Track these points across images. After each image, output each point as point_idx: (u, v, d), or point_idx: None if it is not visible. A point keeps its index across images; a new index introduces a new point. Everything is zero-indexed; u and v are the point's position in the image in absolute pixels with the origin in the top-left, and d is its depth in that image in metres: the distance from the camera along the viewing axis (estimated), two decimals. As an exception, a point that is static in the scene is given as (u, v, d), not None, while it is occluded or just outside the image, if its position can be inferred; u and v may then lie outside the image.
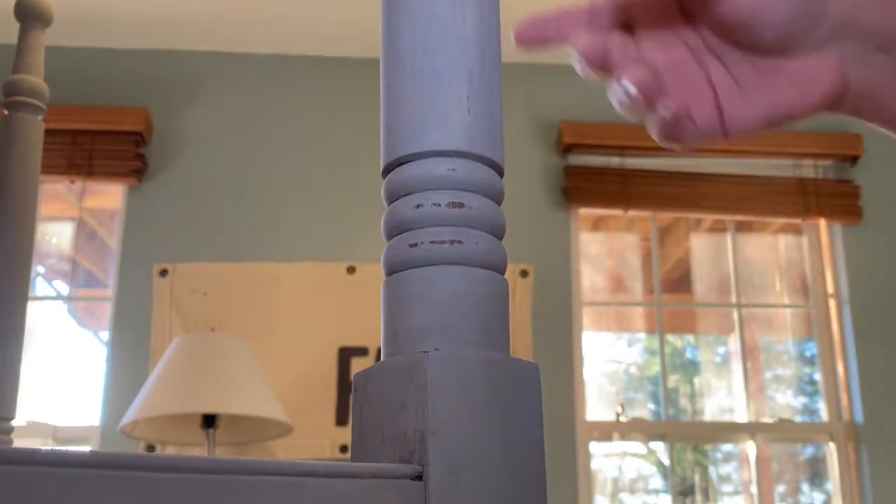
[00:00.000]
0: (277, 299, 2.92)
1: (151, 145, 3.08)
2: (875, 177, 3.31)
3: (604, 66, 0.51)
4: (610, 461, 3.27)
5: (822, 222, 3.32)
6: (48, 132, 1.19)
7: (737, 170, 3.31)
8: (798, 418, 3.28)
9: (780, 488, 3.29)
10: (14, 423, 1.11)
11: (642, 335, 3.47)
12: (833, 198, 3.28)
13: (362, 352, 2.89)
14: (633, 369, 3.42)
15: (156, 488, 0.32)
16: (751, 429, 3.19)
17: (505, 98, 0.47)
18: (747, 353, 3.31)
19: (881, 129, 0.52)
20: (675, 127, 0.50)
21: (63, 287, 3.24)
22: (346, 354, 2.89)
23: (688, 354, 3.58)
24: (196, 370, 2.39)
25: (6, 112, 1.17)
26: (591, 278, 3.30)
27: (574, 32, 0.52)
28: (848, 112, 0.52)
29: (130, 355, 2.85)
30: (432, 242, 0.43)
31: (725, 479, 3.42)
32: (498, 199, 0.45)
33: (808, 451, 3.34)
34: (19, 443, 1.19)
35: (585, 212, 3.26)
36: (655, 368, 3.30)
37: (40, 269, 3.20)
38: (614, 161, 3.25)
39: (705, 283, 3.47)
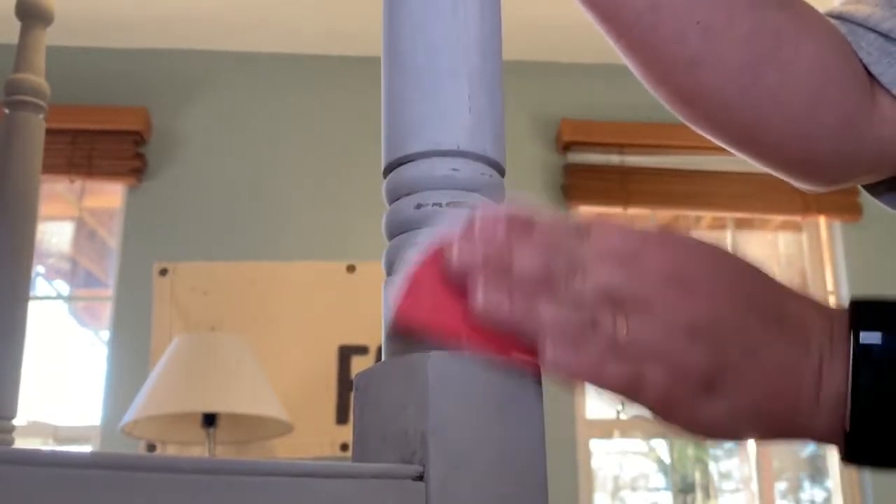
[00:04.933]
0: (277, 298, 2.92)
1: (151, 145, 3.08)
2: (875, 174, 3.30)
3: None
4: (610, 459, 3.27)
5: (822, 219, 3.32)
6: (47, 131, 1.19)
7: (736, 167, 3.30)
8: (798, 416, 3.27)
9: (781, 485, 3.29)
10: (15, 422, 1.11)
11: (642, 333, 3.46)
12: (833, 195, 3.27)
13: (362, 350, 2.88)
14: (633, 367, 3.42)
15: (156, 489, 0.32)
16: (751, 426, 3.19)
17: (504, 96, 0.47)
18: (747, 350, 3.30)
19: None
20: None
21: (63, 287, 3.24)
22: (346, 353, 2.88)
23: (688, 352, 3.57)
24: (196, 369, 2.39)
25: (7, 111, 1.17)
26: (591, 276, 3.29)
27: None
28: None
29: (130, 355, 2.84)
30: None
31: (726, 476, 3.41)
32: (499, 198, 0.45)
33: (809, 448, 3.34)
34: (20, 442, 1.19)
35: (585, 209, 3.26)
36: (656, 366, 3.29)
37: (40, 268, 3.19)
38: (614, 159, 3.24)
39: (705, 280, 3.46)
